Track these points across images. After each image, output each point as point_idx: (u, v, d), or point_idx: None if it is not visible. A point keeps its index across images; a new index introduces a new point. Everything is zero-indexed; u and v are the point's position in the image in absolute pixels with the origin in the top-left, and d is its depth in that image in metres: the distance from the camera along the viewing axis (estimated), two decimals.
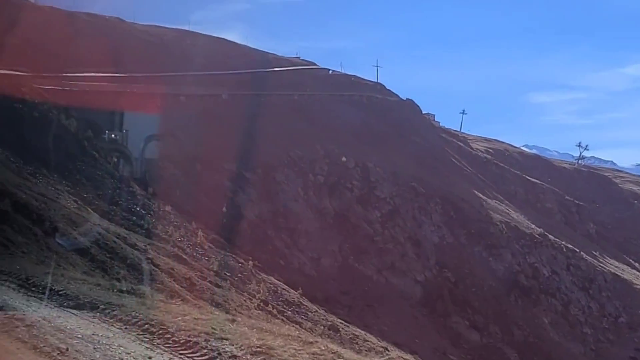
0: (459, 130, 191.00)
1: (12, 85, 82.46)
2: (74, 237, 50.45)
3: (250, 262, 77.32)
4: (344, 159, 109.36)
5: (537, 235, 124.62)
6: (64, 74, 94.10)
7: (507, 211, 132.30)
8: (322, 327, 70.59)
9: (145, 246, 59.28)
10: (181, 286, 54.18)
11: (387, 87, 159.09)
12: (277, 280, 78.52)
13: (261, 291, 67.82)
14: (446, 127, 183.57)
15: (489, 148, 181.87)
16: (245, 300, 60.93)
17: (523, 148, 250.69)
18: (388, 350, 73.56)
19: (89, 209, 65.44)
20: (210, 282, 59.36)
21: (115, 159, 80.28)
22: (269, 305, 64.25)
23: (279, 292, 75.03)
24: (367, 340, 74.10)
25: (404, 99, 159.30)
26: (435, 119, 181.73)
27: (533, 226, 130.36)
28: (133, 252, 55.02)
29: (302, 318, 71.02)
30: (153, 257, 56.90)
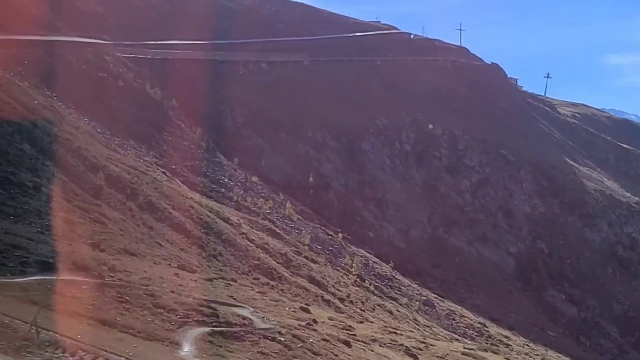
0: (543, 94, 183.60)
1: (96, 53, 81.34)
2: (168, 212, 48.64)
3: (340, 235, 74.80)
4: (430, 126, 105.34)
5: (633, 204, 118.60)
6: (145, 42, 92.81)
7: (601, 179, 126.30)
8: (417, 303, 67.83)
9: (239, 220, 57.24)
10: (277, 262, 52.03)
11: (471, 52, 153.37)
12: (368, 252, 75.84)
13: (355, 266, 65.36)
14: (529, 91, 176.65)
15: (576, 113, 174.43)
16: (342, 277, 58.50)
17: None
18: (486, 327, 70.40)
19: (178, 181, 63.85)
20: (305, 257, 57.05)
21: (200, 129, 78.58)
22: (366, 281, 61.74)
23: (370, 265, 72.37)
24: (464, 316, 70.92)
25: (489, 63, 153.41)
26: (518, 84, 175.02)
27: (628, 194, 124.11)
28: (227, 227, 53.06)
29: (396, 293, 68.22)
30: (247, 231, 54.82)
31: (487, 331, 68.33)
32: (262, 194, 72.88)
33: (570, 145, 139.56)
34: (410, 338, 33.50)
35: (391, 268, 74.10)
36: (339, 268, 60.21)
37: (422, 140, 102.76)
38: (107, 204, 42.81)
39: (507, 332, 72.57)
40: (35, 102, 58.83)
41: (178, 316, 20.21)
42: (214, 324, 20.43)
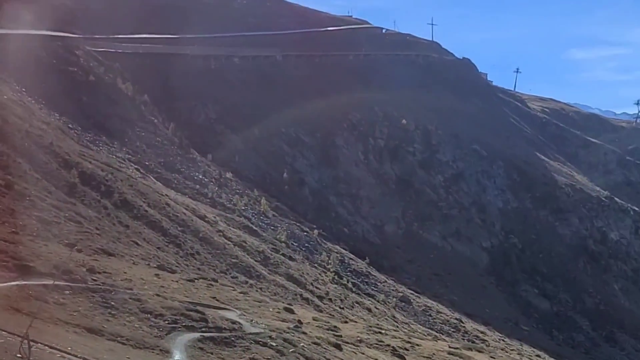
0: (513, 89, 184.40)
1: (66, 47, 79.62)
2: (143, 210, 47.64)
3: (316, 231, 74.11)
4: (404, 121, 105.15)
5: (603, 198, 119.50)
6: (115, 36, 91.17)
7: (571, 173, 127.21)
8: (394, 299, 67.49)
9: (215, 217, 56.35)
10: (255, 260, 51.28)
11: (443, 46, 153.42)
12: (343, 249, 75.29)
13: (331, 263, 64.84)
14: (499, 86, 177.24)
15: (545, 107, 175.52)
16: (320, 274, 57.91)
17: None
18: (462, 322, 70.31)
19: (153, 178, 62.71)
20: (283, 254, 56.35)
21: (174, 125, 77.44)
22: (343, 279, 61.24)
23: (346, 262, 71.83)
24: (440, 312, 70.75)
25: (460, 58, 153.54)
26: (488, 78, 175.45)
27: (598, 188, 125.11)
28: (204, 224, 52.15)
29: (373, 289, 67.83)
30: (224, 229, 53.97)
31: (464, 327, 68.24)
32: (237, 191, 72.04)
33: (540, 140, 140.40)
34: (395, 338, 33.01)
35: (367, 264, 73.73)
36: (316, 265, 59.63)
37: (395, 135, 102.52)
38: (82, 202, 41.74)
39: (482, 328, 72.60)
40: (5, 97, 57.36)
41: (166, 321, 19.44)
42: (203, 329, 19.71)
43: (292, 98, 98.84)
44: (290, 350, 20.24)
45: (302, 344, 21.60)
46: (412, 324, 59.34)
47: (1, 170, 38.59)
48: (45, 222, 33.92)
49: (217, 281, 34.01)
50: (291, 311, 30.96)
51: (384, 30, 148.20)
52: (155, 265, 33.49)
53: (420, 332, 55.24)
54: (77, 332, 15.87)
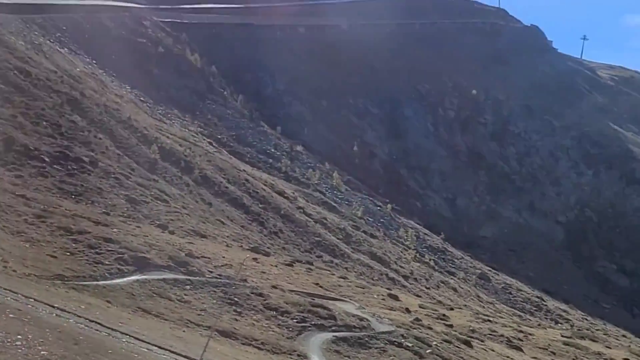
0: (580, 57, 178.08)
1: (133, 18, 78.35)
2: (224, 186, 46.11)
3: (389, 206, 72.07)
4: (474, 91, 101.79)
5: None
6: (181, 6, 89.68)
7: None
8: (473, 277, 65.21)
9: (294, 193, 54.63)
10: (337, 238, 49.48)
11: (510, 13, 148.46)
12: (417, 224, 73.21)
13: (409, 239, 62.83)
14: (567, 54, 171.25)
15: (614, 76, 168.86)
16: (401, 252, 55.88)
17: None
18: (544, 301, 67.76)
19: (226, 152, 61.22)
20: (364, 231, 54.42)
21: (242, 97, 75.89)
22: (425, 257, 59.20)
23: (421, 237, 69.52)
24: (520, 290, 68.11)
25: (528, 25, 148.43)
26: (553, 46, 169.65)
27: None
28: (284, 201, 50.42)
29: (451, 267, 65.66)
30: (304, 205, 52.20)
31: (545, 305, 65.71)
32: (309, 164, 70.25)
33: (613, 109, 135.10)
34: (505, 326, 30.90)
35: (442, 240, 71.56)
36: (397, 242, 57.63)
37: (465, 106, 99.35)
38: (164, 179, 40.36)
39: (564, 306, 69.93)
40: (78, 69, 56.28)
41: (294, 320, 17.68)
42: (333, 327, 17.89)
43: (359, 68, 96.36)
44: (427, 350, 18.34)
45: (434, 343, 19.65)
46: (496, 304, 57.10)
47: (84, 146, 37.35)
48: (134, 201, 32.60)
49: (312, 264, 32.26)
50: (395, 297, 29.07)
51: None
52: (248, 248, 31.87)
53: (506, 312, 53.00)
54: (213, 337, 14.13)
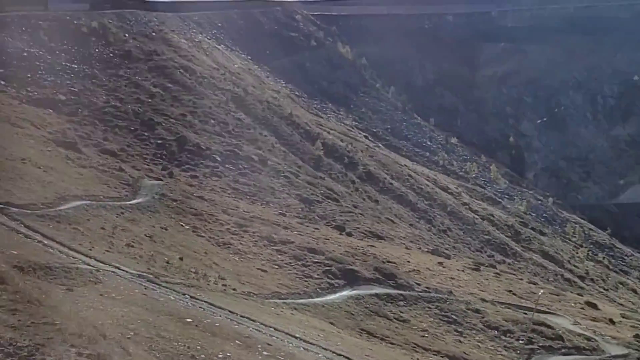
0: None
1: (285, 12, 78.46)
2: (388, 183, 44.72)
3: (550, 199, 68.59)
4: (635, 77, 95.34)
5: None
6: None
7: None
8: None
9: (457, 189, 52.57)
10: (506, 235, 47.09)
11: None
12: (581, 218, 69.28)
13: (577, 235, 59.33)
14: None
15: None
16: (573, 250, 52.71)
17: None
18: None
19: (382, 146, 59.85)
20: (532, 228, 51.67)
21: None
22: (598, 255, 55.66)
23: (586, 232, 65.74)
24: None
25: None
26: None
27: None
28: (448, 197, 48.52)
29: (622, 265, 61.62)
30: (469, 201, 50.08)
31: None
32: (465, 157, 67.85)
33: None
34: None
35: (609, 235, 67.23)
36: (567, 240, 54.41)
37: (627, 94, 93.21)
38: (329, 176, 39.43)
39: None
40: (236, 65, 56.52)
41: (520, 341, 15.94)
42: (562, 350, 16.02)
43: (509, 55, 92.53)
44: None
45: None
46: None
47: (251, 144, 36.94)
48: (307, 201, 31.65)
49: (496, 267, 30.24)
50: (594, 306, 26.62)
51: None
52: (427, 250, 30.27)
53: None
54: None
